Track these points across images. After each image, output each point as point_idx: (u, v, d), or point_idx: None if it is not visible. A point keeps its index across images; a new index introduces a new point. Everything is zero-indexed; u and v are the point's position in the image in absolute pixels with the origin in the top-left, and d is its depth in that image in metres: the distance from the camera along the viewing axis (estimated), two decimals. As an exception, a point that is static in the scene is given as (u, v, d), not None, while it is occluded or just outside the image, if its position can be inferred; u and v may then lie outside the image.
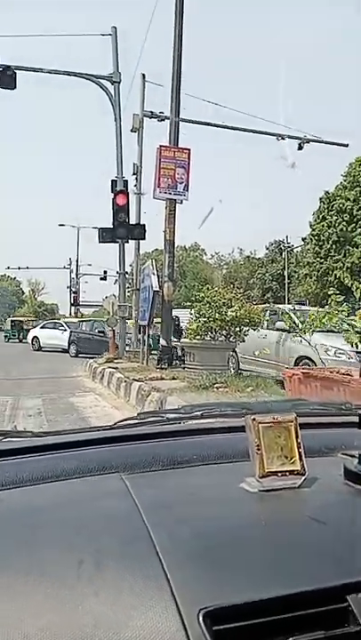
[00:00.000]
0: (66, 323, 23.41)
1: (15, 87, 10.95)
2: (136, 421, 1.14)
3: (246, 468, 0.78)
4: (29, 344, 22.90)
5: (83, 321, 24.08)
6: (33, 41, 13.50)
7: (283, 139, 15.23)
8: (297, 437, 0.76)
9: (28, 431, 1.07)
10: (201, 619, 0.50)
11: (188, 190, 9.89)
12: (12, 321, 33.26)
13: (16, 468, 0.81)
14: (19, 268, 47.11)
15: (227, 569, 0.58)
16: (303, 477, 0.75)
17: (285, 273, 37.36)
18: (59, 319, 28.57)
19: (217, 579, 0.56)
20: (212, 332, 8.05)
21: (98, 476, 0.80)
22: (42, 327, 23.91)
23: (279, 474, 0.74)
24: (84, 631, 0.50)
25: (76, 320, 26.94)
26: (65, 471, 0.79)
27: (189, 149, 10.05)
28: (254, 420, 0.76)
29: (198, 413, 1.17)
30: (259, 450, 0.74)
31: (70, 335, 19.77)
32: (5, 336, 30.78)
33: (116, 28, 12.61)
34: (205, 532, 0.64)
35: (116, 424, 1.14)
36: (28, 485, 0.76)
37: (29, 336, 24.06)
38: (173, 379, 7.89)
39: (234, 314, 7.96)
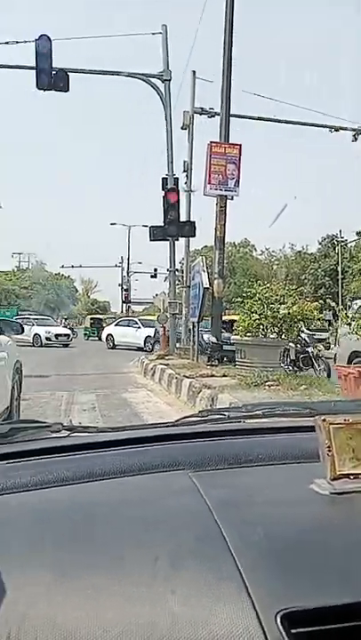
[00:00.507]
0: (141, 320, 22.71)
1: (68, 89, 11.22)
2: (198, 419, 1.15)
3: (314, 470, 0.77)
4: (104, 342, 22.69)
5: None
6: (78, 42, 13.68)
7: (336, 130, 14.83)
8: None
9: (93, 426, 1.10)
10: (279, 621, 0.50)
11: (238, 186, 9.82)
12: (91, 318, 32.92)
13: (85, 462, 0.83)
14: (72, 267, 48.56)
15: (301, 572, 0.57)
16: None
17: (339, 268, 36.34)
18: (134, 317, 27.77)
19: (291, 581, 0.55)
20: (263, 330, 7.96)
21: (165, 473, 0.80)
22: (116, 325, 23.48)
23: (351, 477, 0.72)
24: (162, 629, 0.50)
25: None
26: (134, 467, 0.80)
27: (240, 145, 9.97)
28: (325, 420, 0.75)
29: (260, 412, 1.16)
30: (330, 451, 0.73)
31: (155, 333, 18.75)
32: (85, 334, 30.45)
33: (166, 26, 12.68)
34: (278, 533, 0.64)
35: (178, 421, 1.14)
36: (99, 480, 0.78)
37: (103, 334, 23.72)
38: (224, 376, 7.87)
39: (286, 311, 7.84)
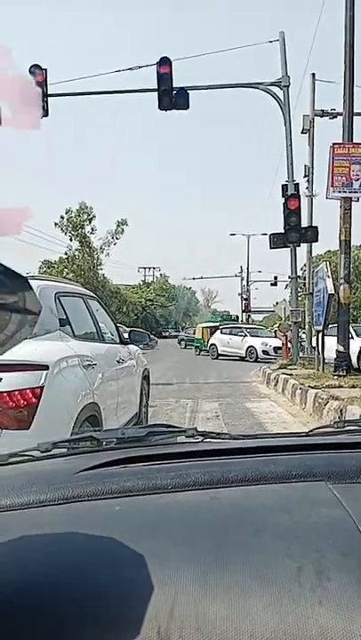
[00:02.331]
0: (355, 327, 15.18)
1: (188, 107, 11.58)
2: (333, 430, 1.10)
3: None
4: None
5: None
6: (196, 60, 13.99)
7: None
8: None
9: (225, 433, 1.10)
10: None
11: (365, 186, 9.29)
12: None
13: (221, 468, 0.84)
14: (193, 279, 50.09)
15: None
16: None
17: None
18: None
19: None
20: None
21: (302, 483, 0.78)
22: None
23: None
24: (310, 639, 0.49)
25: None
26: (270, 475, 0.79)
27: (366, 143, 9.45)
28: None
29: None
30: None
31: None
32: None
33: (283, 32, 12.54)
34: None
35: (311, 431, 1.11)
36: (236, 486, 0.78)
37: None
38: (353, 387, 7.45)
39: None
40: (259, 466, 0.83)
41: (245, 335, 20.50)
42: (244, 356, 19.50)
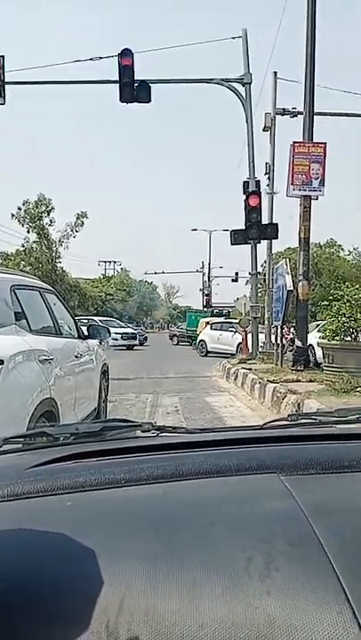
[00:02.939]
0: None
1: (150, 100, 11.51)
2: (287, 423, 1.12)
3: None
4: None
5: None
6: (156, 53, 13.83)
7: None
8: None
9: (181, 427, 1.10)
10: None
11: (324, 185, 9.50)
12: None
13: (175, 462, 0.83)
14: (155, 273, 50.23)
15: None
16: None
17: None
18: None
19: None
20: (352, 333, 7.61)
21: (256, 475, 0.79)
22: None
23: None
24: (258, 629, 0.49)
25: None
26: (224, 468, 0.79)
27: (325, 143, 9.65)
28: None
29: (354, 417, 1.11)
30: None
31: None
32: None
33: (246, 29, 12.62)
34: None
35: (266, 424, 1.12)
36: (190, 479, 0.77)
37: None
38: (311, 381, 7.64)
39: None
40: (212, 459, 0.83)
41: (236, 331, 18.40)
42: (235, 352, 17.53)
